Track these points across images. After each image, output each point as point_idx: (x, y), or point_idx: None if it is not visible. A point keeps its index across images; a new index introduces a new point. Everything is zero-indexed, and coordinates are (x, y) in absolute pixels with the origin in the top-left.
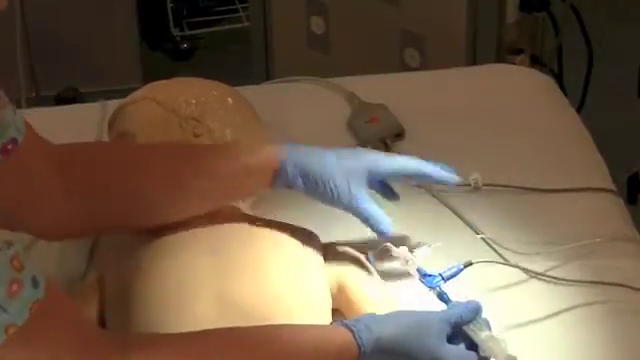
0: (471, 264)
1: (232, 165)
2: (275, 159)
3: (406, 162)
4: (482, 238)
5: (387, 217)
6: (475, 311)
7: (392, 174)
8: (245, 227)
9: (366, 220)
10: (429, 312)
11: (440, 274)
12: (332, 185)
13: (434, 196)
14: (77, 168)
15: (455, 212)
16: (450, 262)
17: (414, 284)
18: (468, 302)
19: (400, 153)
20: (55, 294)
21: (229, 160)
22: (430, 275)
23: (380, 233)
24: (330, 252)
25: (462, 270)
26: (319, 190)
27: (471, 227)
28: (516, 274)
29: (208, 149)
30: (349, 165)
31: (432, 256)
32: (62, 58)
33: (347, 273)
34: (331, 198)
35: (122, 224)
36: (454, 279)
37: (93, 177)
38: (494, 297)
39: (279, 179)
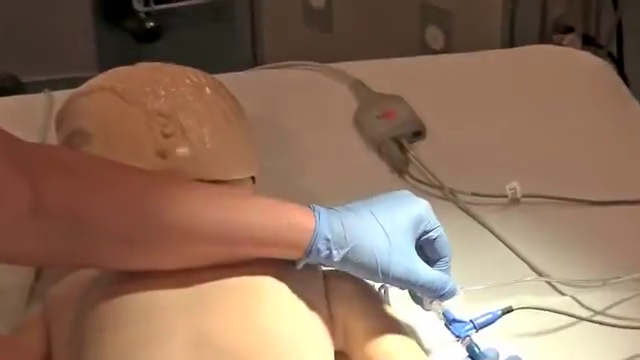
0: (511, 310)
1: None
2: (308, 232)
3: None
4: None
5: (445, 275)
6: None
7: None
8: None
9: (423, 291)
10: None
11: (472, 320)
12: (376, 258)
13: (461, 209)
14: (54, 179)
15: (489, 229)
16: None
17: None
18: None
19: (419, 156)
20: None
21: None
22: (459, 321)
23: (445, 298)
24: (334, 283)
25: (499, 317)
26: (361, 266)
27: (511, 249)
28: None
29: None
30: (392, 224)
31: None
32: None
33: (355, 311)
34: (376, 273)
35: (92, 262)
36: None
37: (74, 194)
38: (537, 343)
39: (311, 257)
